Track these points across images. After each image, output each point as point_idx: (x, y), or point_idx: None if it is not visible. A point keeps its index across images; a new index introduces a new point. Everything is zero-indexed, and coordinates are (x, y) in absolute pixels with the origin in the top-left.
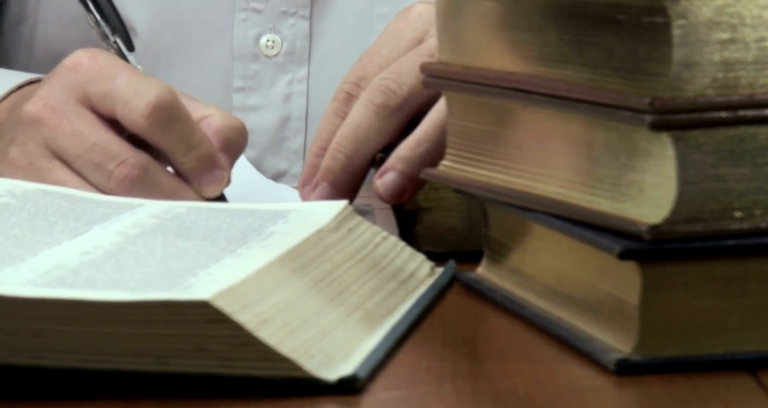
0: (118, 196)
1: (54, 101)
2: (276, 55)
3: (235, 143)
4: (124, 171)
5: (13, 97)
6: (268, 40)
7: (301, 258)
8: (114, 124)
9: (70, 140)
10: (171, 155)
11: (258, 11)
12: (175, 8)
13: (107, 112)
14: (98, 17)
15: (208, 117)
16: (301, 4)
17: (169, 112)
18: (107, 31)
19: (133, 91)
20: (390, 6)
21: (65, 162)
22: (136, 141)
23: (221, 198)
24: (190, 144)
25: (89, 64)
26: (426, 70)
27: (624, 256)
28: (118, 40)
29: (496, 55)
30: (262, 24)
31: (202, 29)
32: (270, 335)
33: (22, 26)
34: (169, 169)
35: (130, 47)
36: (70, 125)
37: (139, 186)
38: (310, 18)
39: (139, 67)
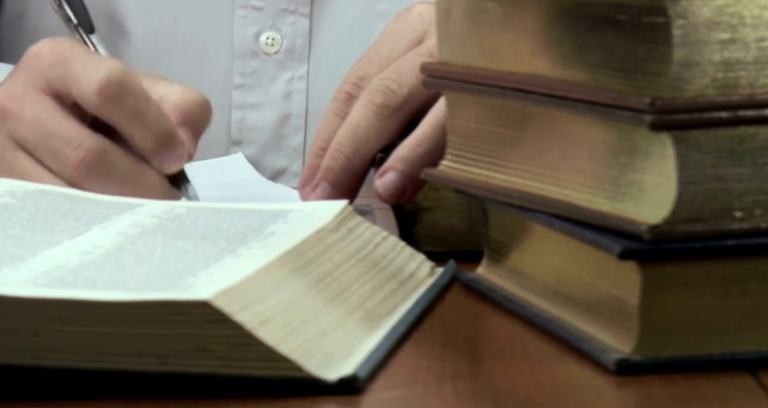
0: (77, 183)
1: (16, 92)
2: (276, 53)
3: (195, 116)
4: (80, 155)
5: None
6: (268, 38)
7: (301, 258)
8: (77, 109)
9: (30, 129)
10: (127, 133)
11: (258, 9)
12: (174, 5)
13: (65, 94)
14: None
15: (167, 94)
16: (302, 2)
17: (120, 88)
18: (70, 13)
19: (86, 70)
20: (390, 4)
21: (28, 152)
22: (99, 127)
23: (181, 177)
24: (146, 121)
25: (50, 52)
26: (426, 70)
27: (624, 256)
28: (81, 22)
29: (496, 55)
30: (262, 21)
31: (201, 26)
32: (270, 335)
33: (26, 16)
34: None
35: (91, 29)
36: (30, 113)
37: (97, 170)
38: (310, 16)
39: (102, 50)
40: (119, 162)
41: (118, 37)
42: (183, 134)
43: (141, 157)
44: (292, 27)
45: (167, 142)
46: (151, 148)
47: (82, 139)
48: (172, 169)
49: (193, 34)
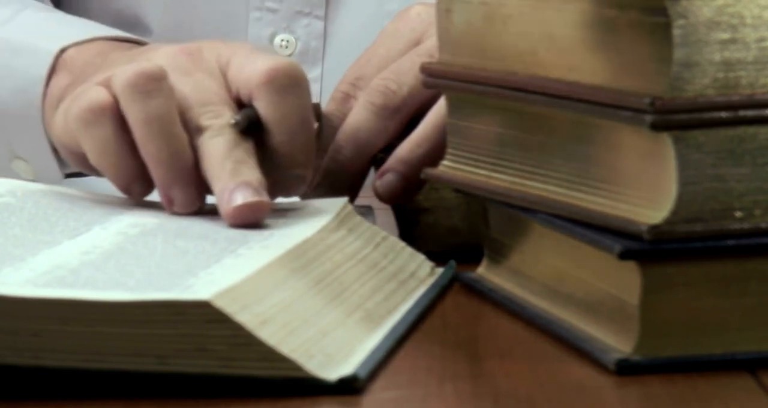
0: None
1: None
2: (290, 55)
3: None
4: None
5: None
6: (282, 40)
7: (302, 258)
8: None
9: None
10: (274, 129)
11: (273, 11)
12: (189, 7)
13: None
14: None
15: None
16: (316, 4)
17: (289, 79)
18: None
19: (253, 57)
20: (399, 3)
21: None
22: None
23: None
24: (299, 128)
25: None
26: (426, 70)
27: (624, 256)
28: None
29: (496, 55)
30: (277, 23)
31: (216, 28)
32: (270, 335)
33: None
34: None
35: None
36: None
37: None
38: (325, 18)
39: None
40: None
41: None
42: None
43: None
44: (307, 29)
45: (305, 163)
46: (290, 156)
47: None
48: (291, 195)
49: (208, 36)
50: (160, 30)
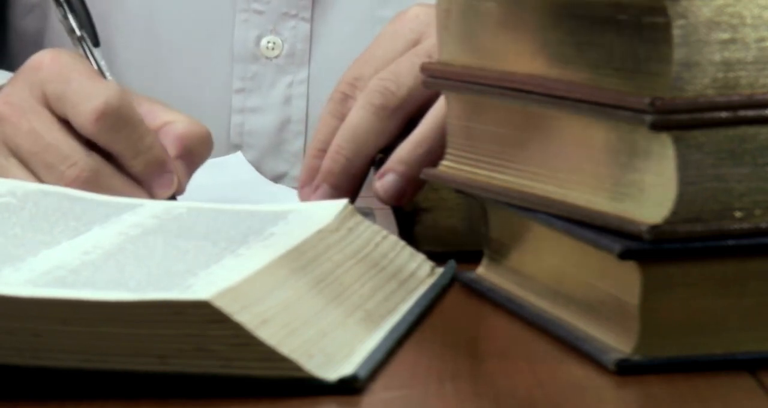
0: None
1: (15, 99)
2: (276, 57)
3: (195, 151)
4: (74, 172)
5: None
6: (268, 42)
7: (302, 258)
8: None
9: (26, 139)
10: (120, 158)
11: (259, 12)
12: (175, 8)
13: (60, 114)
14: (67, 11)
15: (171, 123)
16: (303, 6)
17: (116, 118)
18: (74, 25)
19: (84, 95)
20: (392, 10)
21: (21, 160)
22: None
23: (173, 200)
24: (138, 148)
25: (50, 64)
26: (426, 70)
27: (624, 256)
28: (85, 35)
29: (496, 55)
30: (263, 25)
31: (202, 30)
32: (270, 335)
33: (33, 13)
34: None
35: (96, 42)
36: (27, 124)
37: (90, 188)
38: (311, 20)
39: (102, 62)
40: (111, 182)
41: (119, 40)
42: (176, 164)
43: (134, 178)
44: (293, 31)
45: (158, 168)
46: (141, 172)
47: (77, 157)
48: (161, 195)
49: (194, 37)
50: (145, 30)
